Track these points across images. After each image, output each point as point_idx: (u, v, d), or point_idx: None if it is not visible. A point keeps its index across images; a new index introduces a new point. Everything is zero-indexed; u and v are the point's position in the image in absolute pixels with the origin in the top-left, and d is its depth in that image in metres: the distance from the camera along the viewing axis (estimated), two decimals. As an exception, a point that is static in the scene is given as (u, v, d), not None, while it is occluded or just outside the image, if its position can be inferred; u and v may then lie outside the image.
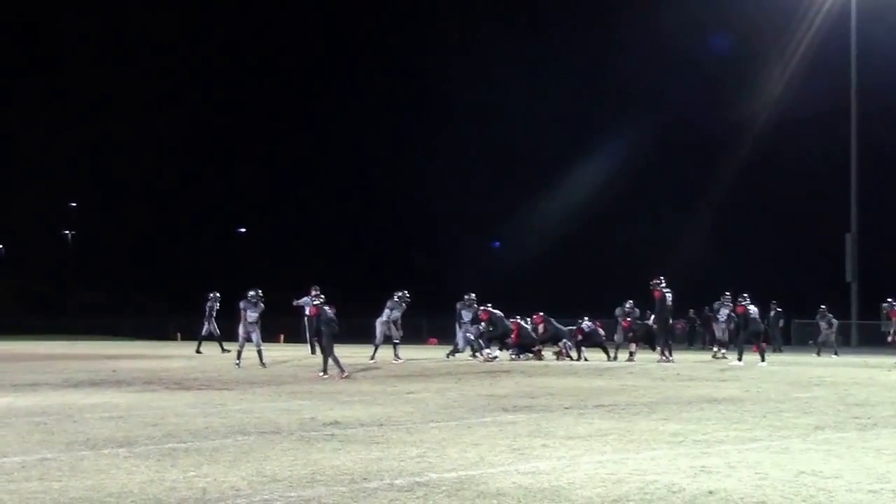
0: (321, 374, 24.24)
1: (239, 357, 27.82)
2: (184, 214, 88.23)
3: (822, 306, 39.31)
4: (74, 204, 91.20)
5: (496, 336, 31.67)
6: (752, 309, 30.66)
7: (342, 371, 24.05)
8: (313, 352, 35.44)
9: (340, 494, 9.31)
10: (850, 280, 56.25)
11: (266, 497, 9.23)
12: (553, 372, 26.23)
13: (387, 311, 30.68)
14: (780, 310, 42.22)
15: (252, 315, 28.06)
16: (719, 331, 34.74)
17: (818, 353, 37.74)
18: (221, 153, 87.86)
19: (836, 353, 37.58)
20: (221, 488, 9.67)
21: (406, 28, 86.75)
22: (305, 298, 36.48)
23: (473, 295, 32.25)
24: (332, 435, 13.48)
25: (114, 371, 26.47)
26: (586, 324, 33.29)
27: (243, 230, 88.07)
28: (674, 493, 9.32)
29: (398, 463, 11.08)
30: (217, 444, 12.61)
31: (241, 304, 28.38)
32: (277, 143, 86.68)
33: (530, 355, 32.04)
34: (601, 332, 33.81)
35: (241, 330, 28.20)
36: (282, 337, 47.23)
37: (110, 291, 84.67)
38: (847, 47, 56.01)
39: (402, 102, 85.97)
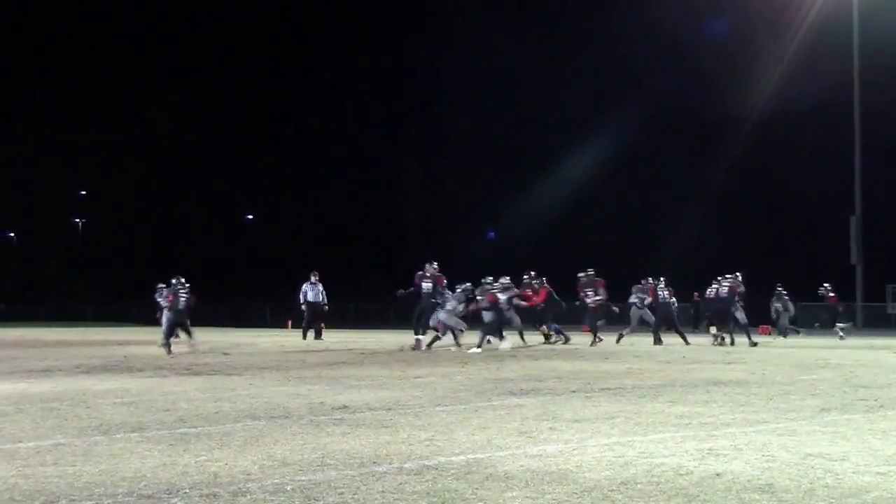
0: None
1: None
2: (193, 200, 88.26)
3: (779, 287, 38.74)
4: (84, 192, 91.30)
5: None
6: (662, 293, 31.12)
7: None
8: (304, 338, 35.66)
9: (350, 478, 9.40)
10: (854, 262, 56.29)
11: (276, 481, 9.31)
12: (560, 355, 26.31)
13: (453, 302, 30.45)
14: (786, 295, 41.58)
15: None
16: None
17: (783, 335, 37.40)
18: (230, 140, 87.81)
19: (797, 332, 37.36)
20: (232, 472, 9.76)
21: (401, 18, 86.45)
22: (305, 285, 36.64)
23: (469, 285, 31.92)
24: (341, 419, 13.57)
25: (125, 357, 26.60)
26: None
27: (251, 217, 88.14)
28: (681, 475, 9.39)
29: (407, 447, 11.17)
30: (227, 429, 12.71)
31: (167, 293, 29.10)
32: (284, 131, 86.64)
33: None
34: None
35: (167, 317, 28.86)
36: (290, 323, 47.34)
37: (120, 278, 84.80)
38: (849, 29, 55.97)
39: (398, 93, 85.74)
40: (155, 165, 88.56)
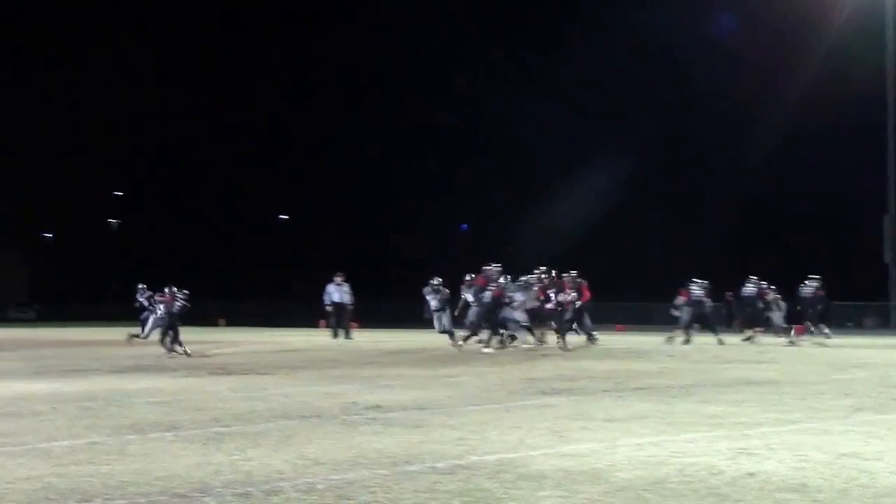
0: None
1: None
2: (227, 201, 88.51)
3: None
4: (119, 193, 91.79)
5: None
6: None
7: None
8: (335, 337, 35.68)
9: (383, 477, 9.42)
10: (888, 262, 55.90)
11: (309, 480, 9.34)
12: (591, 355, 26.27)
13: (520, 296, 30.24)
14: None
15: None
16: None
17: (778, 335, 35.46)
18: (264, 140, 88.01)
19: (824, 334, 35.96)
20: (266, 471, 9.81)
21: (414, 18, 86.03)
22: (330, 286, 36.66)
23: (439, 280, 31.52)
24: (373, 419, 13.60)
25: (158, 357, 26.71)
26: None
27: (285, 217, 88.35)
28: (714, 475, 9.38)
29: (439, 446, 11.19)
30: (260, 428, 12.76)
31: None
32: (318, 130, 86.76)
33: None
34: None
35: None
36: (322, 322, 47.43)
37: (153, 278, 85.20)
38: (882, 25, 55.59)
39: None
40: (189, 166, 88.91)
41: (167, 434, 12.33)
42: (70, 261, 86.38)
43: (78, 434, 12.45)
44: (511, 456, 10.50)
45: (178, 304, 28.27)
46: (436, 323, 31.40)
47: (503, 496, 8.59)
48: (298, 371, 22.09)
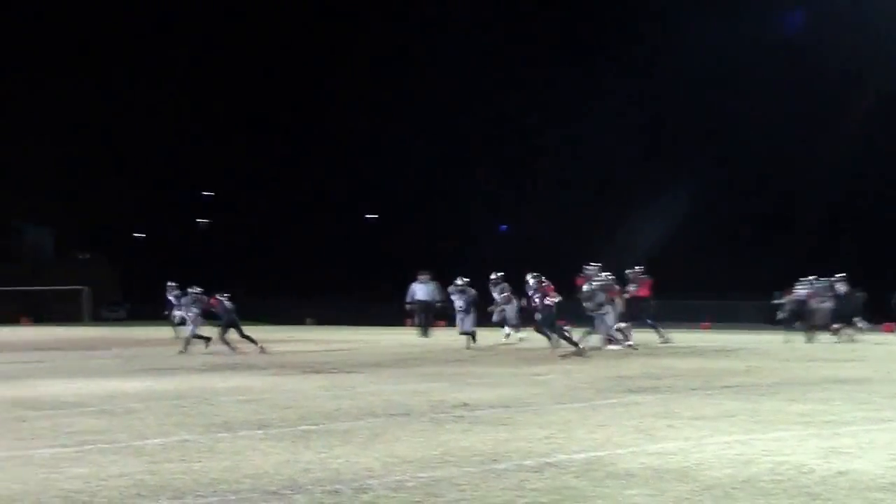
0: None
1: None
2: (317, 200, 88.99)
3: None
4: (210, 193, 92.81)
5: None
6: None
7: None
8: (425, 335, 35.65)
9: (471, 475, 9.46)
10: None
11: (398, 478, 9.41)
12: (678, 353, 26.09)
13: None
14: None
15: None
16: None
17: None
18: (351, 141, 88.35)
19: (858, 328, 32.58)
20: (354, 469, 9.89)
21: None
22: (414, 284, 36.67)
23: (464, 280, 31.28)
24: (461, 416, 13.65)
25: (248, 355, 26.93)
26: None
27: (374, 216, 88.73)
28: (804, 473, 9.30)
29: (526, 444, 11.21)
30: (349, 426, 12.86)
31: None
32: (403, 129, 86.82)
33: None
34: None
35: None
36: (409, 321, 47.54)
37: (243, 277, 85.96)
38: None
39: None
40: (278, 165, 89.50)
41: (257, 432, 12.48)
42: (160, 260, 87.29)
43: (169, 432, 12.64)
44: (599, 454, 10.49)
45: (226, 304, 28.39)
46: (458, 323, 31.29)
47: (591, 494, 8.59)
48: (386, 369, 22.20)
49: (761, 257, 63.05)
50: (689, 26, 68.03)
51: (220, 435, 12.30)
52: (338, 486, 9.07)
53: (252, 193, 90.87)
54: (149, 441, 11.88)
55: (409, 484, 9.12)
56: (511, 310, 30.83)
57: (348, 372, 21.55)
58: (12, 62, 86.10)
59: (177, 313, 35.11)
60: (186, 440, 11.93)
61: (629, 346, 27.22)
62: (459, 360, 24.44)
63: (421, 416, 13.72)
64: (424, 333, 36.40)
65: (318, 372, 21.64)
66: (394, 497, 8.63)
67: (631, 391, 16.76)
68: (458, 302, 30.86)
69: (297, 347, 29.96)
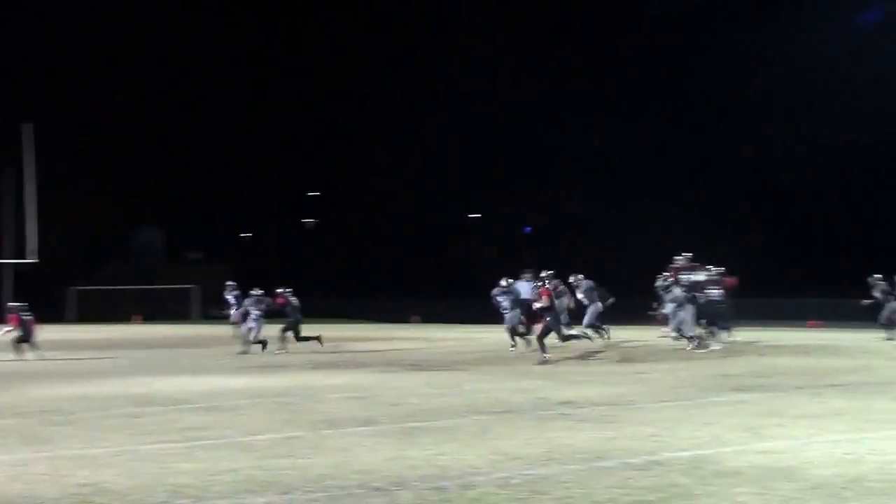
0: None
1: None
2: (421, 199, 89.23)
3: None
4: (316, 193, 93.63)
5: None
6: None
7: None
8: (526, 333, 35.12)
9: (576, 473, 9.46)
10: None
11: (503, 475, 9.44)
12: (785, 351, 25.74)
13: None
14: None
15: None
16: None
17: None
18: (454, 141, 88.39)
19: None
20: (460, 466, 9.94)
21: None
22: (517, 283, 36.35)
23: (508, 280, 30.43)
24: (565, 414, 13.64)
25: (353, 353, 27.12)
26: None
27: (478, 215, 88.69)
28: (914, 473, 9.17)
29: (632, 442, 11.17)
30: (454, 424, 12.91)
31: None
32: (508, 126, 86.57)
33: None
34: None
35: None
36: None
37: (348, 276, 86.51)
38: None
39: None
40: (383, 165, 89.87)
41: (363, 429, 12.59)
42: (269, 260, 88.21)
43: (277, 428, 12.80)
44: (705, 452, 10.42)
45: (293, 302, 28.52)
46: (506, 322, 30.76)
47: (698, 492, 8.54)
48: (491, 367, 22.23)
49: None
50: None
51: (326, 431, 12.42)
52: (443, 483, 9.12)
53: (357, 193, 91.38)
54: (256, 437, 12.04)
55: (515, 481, 9.14)
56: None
57: (454, 370, 21.62)
58: (124, 65, 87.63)
59: (234, 312, 35.35)
60: (294, 436, 12.07)
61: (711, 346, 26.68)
62: (562, 357, 24.36)
63: (525, 414, 13.74)
64: (527, 332, 36.23)
65: (423, 369, 21.75)
66: (499, 494, 8.65)
67: (736, 389, 16.60)
68: (504, 302, 30.56)
69: (402, 345, 30.08)
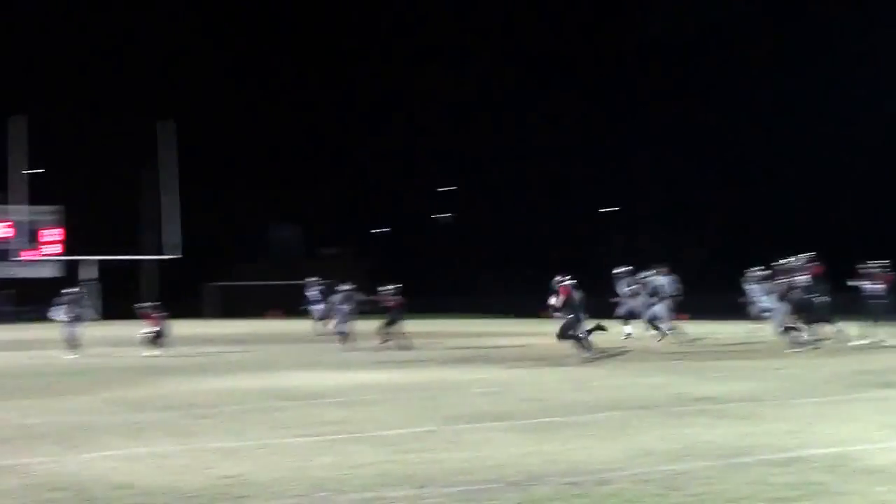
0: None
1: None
2: (553, 193, 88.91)
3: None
4: (454, 188, 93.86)
5: None
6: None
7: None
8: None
9: (714, 469, 9.35)
10: None
11: (639, 470, 9.37)
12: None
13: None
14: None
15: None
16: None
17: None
18: (598, 130, 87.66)
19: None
20: (594, 461, 9.90)
21: None
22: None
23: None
24: (702, 410, 13.50)
25: (490, 348, 27.10)
26: None
27: (616, 209, 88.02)
28: None
29: (771, 438, 11.01)
30: (589, 419, 12.86)
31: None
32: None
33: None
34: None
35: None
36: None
37: (484, 270, 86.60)
38: None
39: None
40: (515, 159, 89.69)
41: (498, 423, 12.59)
42: (404, 255, 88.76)
43: (412, 422, 12.88)
44: (847, 449, 10.23)
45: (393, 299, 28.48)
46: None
47: (839, 490, 8.39)
48: (627, 362, 22.08)
49: None
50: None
51: (462, 426, 12.46)
52: (579, 478, 9.09)
53: (494, 187, 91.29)
54: (393, 431, 12.13)
55: (651, 477, 9.07)
56: (637, 304, 29.56)
57: (587, 365, 21.51)
58: (264, 62, 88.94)
59: (315, 308, 35.52)
60: (430, 431, 12.13)
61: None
62: (699, 352, 24.08)
63: (661, 409, 13.62)
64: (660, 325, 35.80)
65: (557, 365, 21.66)
66: (635, 490, 8.59)
67: (879, 386, 16.24)
68: (637, 295, 30.15)
69: (539, 340, 29.88)
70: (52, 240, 66.94)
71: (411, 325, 28.67)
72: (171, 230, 63.39)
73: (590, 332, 23.98)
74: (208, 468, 10.00)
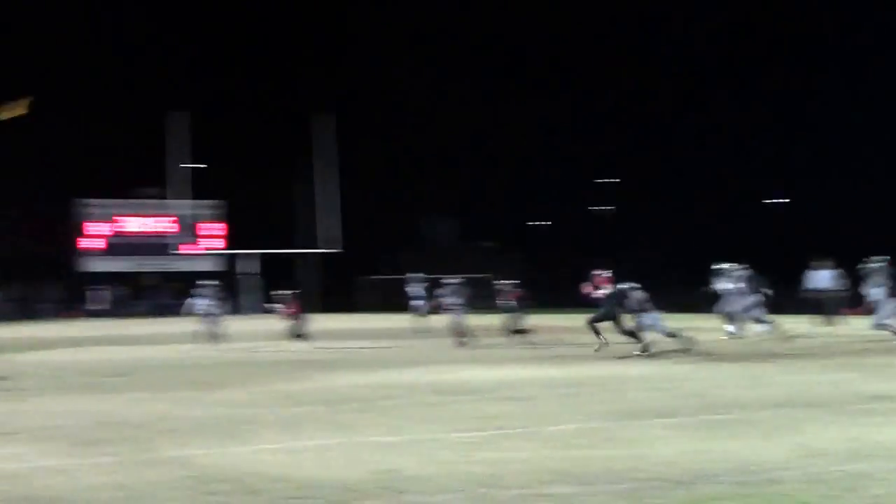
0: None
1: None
2: (718, 185, 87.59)
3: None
4: (616, 180, 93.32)
5: None
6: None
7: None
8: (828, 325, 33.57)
9: (889, 471, 8.96)
10: None
11: (812, 470, 9.05)
12: None
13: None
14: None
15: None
16: None
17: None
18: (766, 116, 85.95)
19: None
20: (763, 460, 9.59)
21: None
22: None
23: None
24: (876, 409, 12.99)
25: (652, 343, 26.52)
26: None
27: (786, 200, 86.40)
28: None
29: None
30: (758, 416, 12.49)
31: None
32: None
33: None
34: None
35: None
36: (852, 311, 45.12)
37: (645, 265, 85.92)
38: None
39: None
40: (680, 150, 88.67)
41: (662, 420, 12.31)
42: (562, 248, 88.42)
43: (574, 418, 12.67)
44: None
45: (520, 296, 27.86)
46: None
47: None
48: (798, 359, 21.42)
49: None
50: None
51: (624, 422, 12.22)
52: (746, 478, 8.83)
53: (656, 180, 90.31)
54: (554, 427, 11.93)
55: (825, 477, 8.73)
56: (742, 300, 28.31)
57: (759, 361, 20.95)
58: (411, 55, 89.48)
59: (420, 304, 35.15)
60: (592, 427, 11.91)
61: None
62: (870, 350, 23.32)
63: (834, 407, 13.15)
64: (829, 322, 34.91)
65: (726, 360, 21.16)
66: (807, 490, 8.27)
67: None
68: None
69: (706, 336, 29.06)
70: (212, 234, 68.34)
71: (570, 321, 28.31)
72: (330, 224, 64.07)
73: (632, 333, 23.58)
74: (367, 461, 9.97)
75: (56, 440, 11.76)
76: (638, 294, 23.78)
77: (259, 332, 35.52)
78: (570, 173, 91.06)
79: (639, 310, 23.57)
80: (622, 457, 9.90)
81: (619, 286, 24.03)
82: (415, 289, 36.40)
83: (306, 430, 12.22)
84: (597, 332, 23.81)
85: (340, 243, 64.13)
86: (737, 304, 28.68)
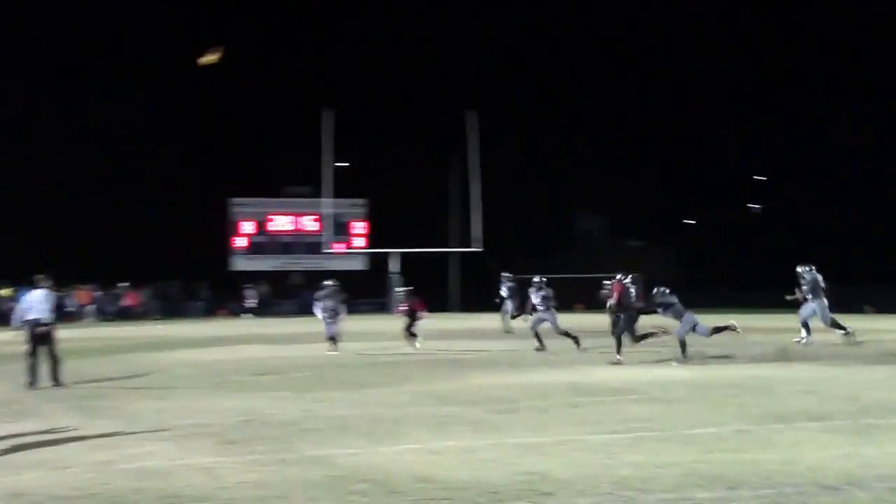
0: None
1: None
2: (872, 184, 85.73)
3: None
4: (763, 178, 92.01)
5: None
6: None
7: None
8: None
9: None
10: None
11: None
12: None
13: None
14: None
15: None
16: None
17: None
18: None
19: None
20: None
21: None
22: None
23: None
24: None
25: (804, 345, 25.97)
26: None
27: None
28: None
29: None
30: (912, 421, 12.17)
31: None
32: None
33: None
34: None
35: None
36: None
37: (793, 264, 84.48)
38: None
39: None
40: (834, 147, 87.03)
41: (814, 424, 12.07)
42: (712, 247, 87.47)
43: (722, 421, 12.48)
44: None
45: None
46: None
47: None
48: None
49: None
50: None
51: (775, 426, 12.00)
52: (900, 484, 8.58)
53: (806, 177, 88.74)
54: (701, 430, 11.77)
55: None
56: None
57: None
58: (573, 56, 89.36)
59: (510, 303, 34.60)
60: (740, 430, 11.73)
61: None
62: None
63: None
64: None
65: (882, 363, 20.56)
66: (969, 499, 8.02)
67: None
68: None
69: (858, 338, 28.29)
70: (357, 233, 69.03)
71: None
72: (475, 222, 64.11)
73: (643, 337, 23.19)
74: (512, 463, 9.95)
75: (201, 438, 11.99)
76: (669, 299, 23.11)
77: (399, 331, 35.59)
78: (720, 171, 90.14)
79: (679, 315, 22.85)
80: (770, 461, 9.74)
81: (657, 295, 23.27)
82: (506, 288, 35.63)
83: (452, 430, 12.23)
84: (683, 347, 22.23)
85: (481, 242, 64.11)
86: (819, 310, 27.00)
